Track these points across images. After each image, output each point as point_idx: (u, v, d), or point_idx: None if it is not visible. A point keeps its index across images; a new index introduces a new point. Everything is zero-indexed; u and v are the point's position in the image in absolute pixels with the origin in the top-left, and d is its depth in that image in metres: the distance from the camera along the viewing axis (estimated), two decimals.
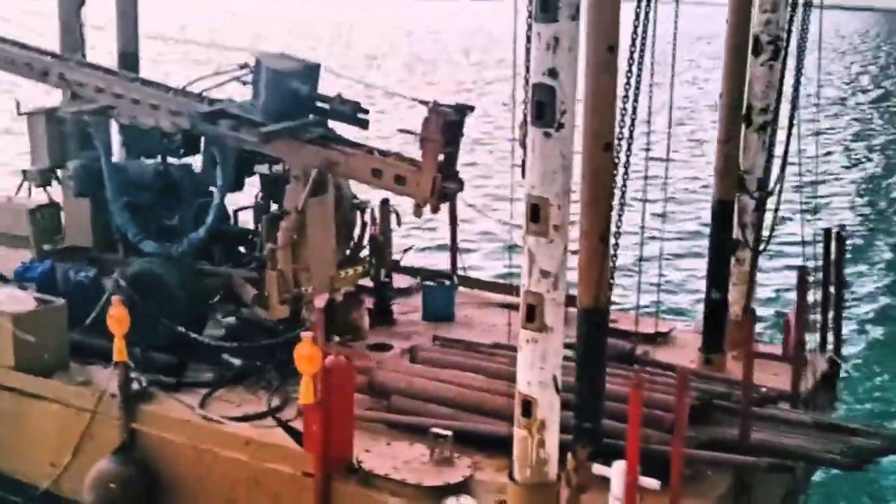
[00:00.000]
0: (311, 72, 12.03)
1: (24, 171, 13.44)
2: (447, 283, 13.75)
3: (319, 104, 12.04)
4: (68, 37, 15.44)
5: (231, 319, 12.28)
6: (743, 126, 11.72)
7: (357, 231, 13.23)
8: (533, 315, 7.85)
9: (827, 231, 12.09)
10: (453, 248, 14.76)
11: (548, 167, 7.66)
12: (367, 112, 11.80)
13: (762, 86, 11.73)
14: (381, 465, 8.94)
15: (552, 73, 7.50)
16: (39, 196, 13.87)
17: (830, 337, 12.14)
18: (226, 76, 12.37)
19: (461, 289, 14.20)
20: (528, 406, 7.97)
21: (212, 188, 12.45)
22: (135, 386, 10.03)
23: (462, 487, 8.70)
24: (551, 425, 8.02)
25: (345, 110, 11.69)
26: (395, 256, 14.11)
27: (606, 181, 8.45)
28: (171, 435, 9.82)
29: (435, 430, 9.14)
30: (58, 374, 10.65)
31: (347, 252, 13.00)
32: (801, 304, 10.62)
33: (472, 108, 11.24)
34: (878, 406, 15.49)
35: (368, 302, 13.05)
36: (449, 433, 9.07)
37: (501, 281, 15.61)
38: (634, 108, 8.34)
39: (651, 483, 7.83)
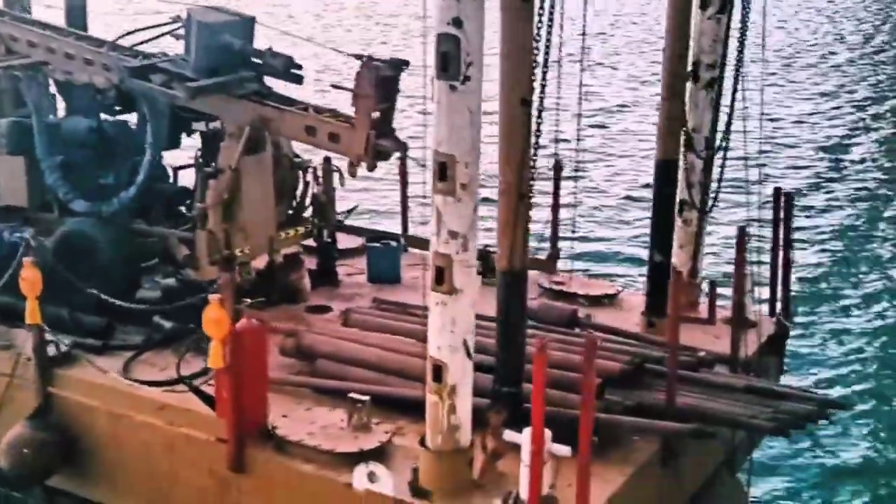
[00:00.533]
0: (244, 25, 11.64)
1: None
2: (393, 244, 13.43)
3: (255, 60, 11.67)
4: None
5: (170, 281, 11.97)
6: (690, 82, 11.38)
7: (300, 191, 12.89)
8: (442, 277, 7.56)
9: (777, 190, 11.78)
10: (403, 209, 14.45)
11: (454, 123, 7.32)
12: (300, 67, 11.41)
13: (710, 40, 11.35)
14: (297, 431, 8.67)
15: (457, 21, 7.15)
16: None
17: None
18: (158, 30, 11.99)
19: (411, 250, 13.90)
20: (438, 371, 7.71)
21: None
22: (52, 350, 9.73)
23: (378, 454, 8.43)
24: (463, 391, 7.76)
25: (276, 65, 11.27)
26: (340, 217, 13.77)
27: (524, 137, 8.13)
28: (86, 399, 9.55)
29: (353, 395, 8.87)
30: None
31: (289, 212, 12.65)
32: (740, 265, 10.31)
33: (406, 63, 10.86)
34: (828, 371, 15.23)
35: (311, 263, 12.80)
36: (367, 398, 8.81)
37: None
38: (546, 60, 7.98)
39: (562, 450, 7.57)
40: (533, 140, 8.11)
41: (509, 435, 7.78)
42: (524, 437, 7.51)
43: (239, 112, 11.22)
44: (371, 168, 10.89)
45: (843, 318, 17.58)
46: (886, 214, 24.47)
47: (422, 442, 7.99)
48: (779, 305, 11.91)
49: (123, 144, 12.35)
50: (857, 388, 14.81)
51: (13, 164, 12.60)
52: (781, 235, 11.63)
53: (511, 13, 7.87)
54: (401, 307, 11.45)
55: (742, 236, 10.25)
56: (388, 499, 7.96)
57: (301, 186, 12.81)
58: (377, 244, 13.34)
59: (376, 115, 10.59)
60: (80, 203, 11.91)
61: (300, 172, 12.82)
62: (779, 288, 11.83)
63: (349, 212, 14.48)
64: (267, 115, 11.15)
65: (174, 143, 12.42)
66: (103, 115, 12.40)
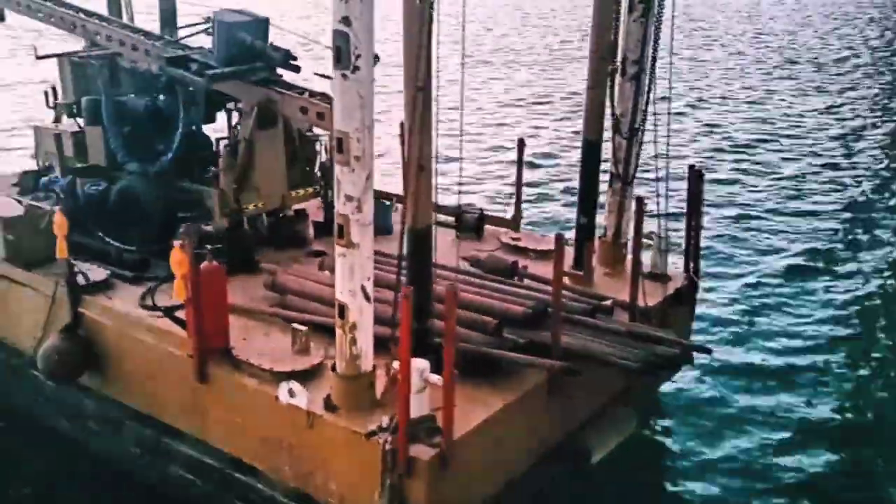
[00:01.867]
0: (259, 24, 11.26)
1: (55, 105, 13.09)
2: (386, 202, 12.98)
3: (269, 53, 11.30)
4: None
5: (209, 227, 11.83)
6: (618, 75, 10.57)
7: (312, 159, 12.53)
8: (342, 233, 7.13)
9: (690, 168, 10.91)
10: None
11: (347, 105, 6.84)
12: (296, 59, 11.01)
13: (635, 40, 10.50)
14: (251, 352, 8.41)
15: (346, 20, 6.63)
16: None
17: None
18: (194, 28, 11.72)
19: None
20: (342, 310, 7.31)
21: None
22: (81, 279, 9.65)
23: (310, 374, 8.12)
24: (362, 326, 7.35)
25: (277, 57, 10.90)
26: None
27: (424, 117, 7.59)
28: (103, 320, 9.47)
29: (295, 325, 8.56)
30: (39, 268, 10.35)
31: (301, 176, 12.31)
32: (638, 228, 9.57)
33: (377, 57, 10.32)
34: (733, 326, 14.25)
35: (318, 216, 12.49)
36: (305, 328, 8.48)
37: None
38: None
39: (434, 378, 7.13)
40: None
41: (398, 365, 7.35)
42: (414, 365, 7.09)
43: (251, 94, 10.92)
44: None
45: (749, 275, 16.44)
46: (787, 184, 22.74)
47: (333, 367, 7.64)
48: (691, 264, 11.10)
49: (172, 119, 12.17)
50: (764, 341, 13.81)
51: (93, 133, 12.58)
52: (694, 206, 10.78)
53: (408, 17, 7.28)
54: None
55: (640, 205, 9.50)
56: (302, 411, 7.66)
57: (313, 155, 12.48)
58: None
59: None
60: (133, 164, 11.80)
61: (313, 144, 12.51)
62: (691, 249, 11.00)
63: None
64: (271, 97, 10.83)
65: (210, 119, 12.18)
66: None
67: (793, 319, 14.58)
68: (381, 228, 12.44)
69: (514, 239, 12.05)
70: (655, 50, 10.04)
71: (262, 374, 8.12)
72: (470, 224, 12.45)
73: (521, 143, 12.50)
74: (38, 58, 12.39)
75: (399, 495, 7.04)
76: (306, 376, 8.05)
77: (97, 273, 10.00)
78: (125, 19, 13.94)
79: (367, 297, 7.28)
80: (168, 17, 14.97)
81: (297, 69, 11.06)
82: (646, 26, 10.27)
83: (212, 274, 8.22)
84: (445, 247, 11.61)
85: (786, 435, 11.27)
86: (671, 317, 10.42)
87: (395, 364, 7.42)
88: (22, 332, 10.39)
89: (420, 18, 7.24)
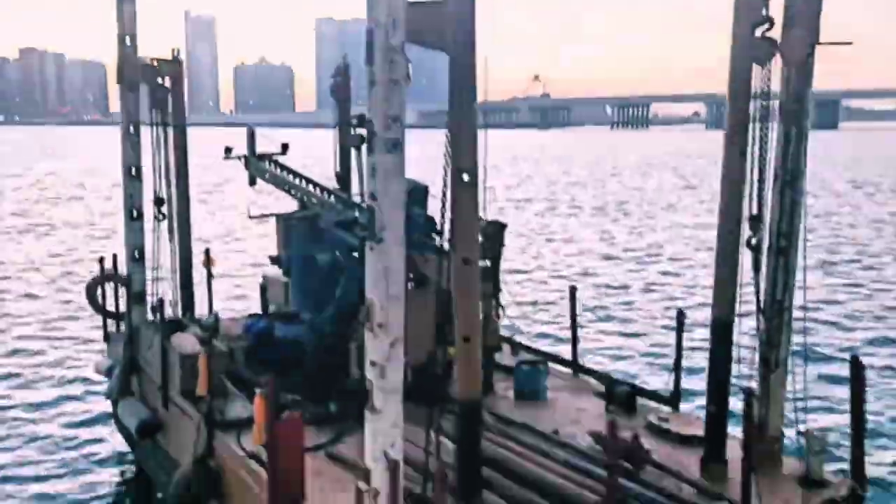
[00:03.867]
0: (417, 192, 12.12)
1: (270, 257, 14.92)
2: (541, 366, 12.72)
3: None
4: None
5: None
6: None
7: None
8: (367, 398, 7.26)
9: (854, 358, 9.40)
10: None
11: (372, 274, 7.14)
12: (437, 230, 11.59)
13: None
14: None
15: (372, 196, 7.04)
16: None
17: None
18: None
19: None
20: (366, 475, 7.35)
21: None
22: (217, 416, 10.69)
23: None
24: (384, 493, 7.29)
25: (420, 224, 11.61)
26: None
27: (472, 290, 7.61)
28: (231, 455, 10.28)
29: (360, 483, 8.65)
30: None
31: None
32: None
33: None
34: None
35: None
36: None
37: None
38: None
39: None
40: None
41: None
42: None
43: None
44: None
45: None
46: None
47: None
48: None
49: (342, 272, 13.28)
50: None
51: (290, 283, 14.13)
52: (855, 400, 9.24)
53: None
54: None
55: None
56: None
57: None
58: (525, 364, 12.74)
59: None
60: (305, 314, 12.99)
61: None
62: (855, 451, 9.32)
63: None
64: (414, 260, 11.48)
65: None
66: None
67: None
68: (530, 394, 12.28)
69: (661, 419, 11.12)
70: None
71: None
72: (620, 397, 11.77)
73: (681, 315, 11.70)
74: (251, 217, 14.43)
75: None
76: None
77: (239, 410, 11.01)
78: None
79: (389, 464, 7.24)
80: (344, 173, 16.59)
81: (433, 240, 11.63)
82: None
83: (289, 425, 8.70)
84: (590, 418, 11.15)
85: None
86: None
87: None
88: (184, 460, 11.66)
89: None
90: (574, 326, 13.61)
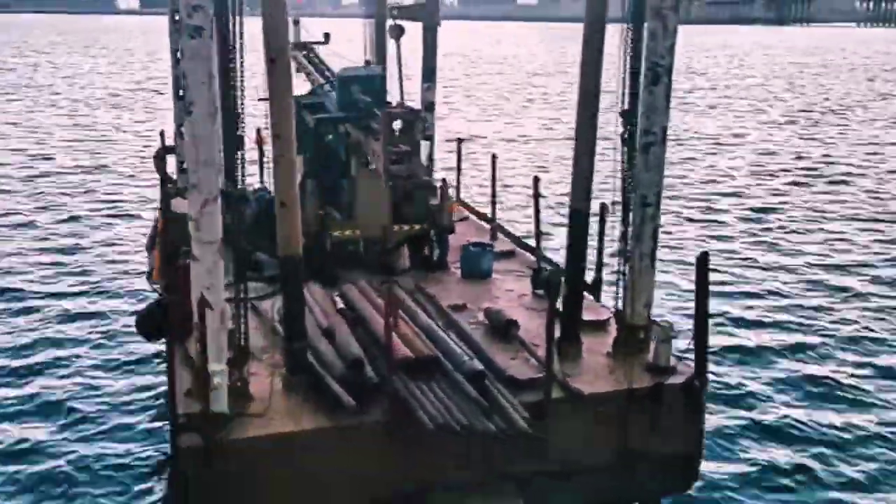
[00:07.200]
0: (372, 78, 13.10)
1: None
2: (487, 248, 13.54)
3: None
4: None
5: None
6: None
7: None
8: None
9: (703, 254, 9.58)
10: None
11: (188, 142, 8.45)
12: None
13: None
14: None
15: (183, 75, 8.28)
16: None
17: None
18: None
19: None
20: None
21: None
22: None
23: None
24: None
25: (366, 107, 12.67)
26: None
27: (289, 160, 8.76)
28: None
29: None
30: None
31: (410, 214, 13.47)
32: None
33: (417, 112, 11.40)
34: None
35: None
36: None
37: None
38: None
39: None
40: None
41: None
42: None
43: (352, 136, 12.91)
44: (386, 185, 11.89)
45: None
46: None
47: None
48: None
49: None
50: None
51: None
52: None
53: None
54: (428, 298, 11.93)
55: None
56: None
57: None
58: (472, 247, 13.53)
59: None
60: None
61: (433, 188, 13.70)
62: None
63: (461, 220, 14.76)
64: (361, 139, 12.64)
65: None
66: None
67: None
68: (474, 273, 13.19)
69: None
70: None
71: None
72: (543, 281, 12.42)
73: (603, 208, 11.98)
74: (259, 100, 15.94)
75: None
76: None
77: None
78: None
79: (204, 304, 8.68)
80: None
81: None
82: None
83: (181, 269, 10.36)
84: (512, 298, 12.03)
85: None
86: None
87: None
88: None
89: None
90: (537, 220, 14.12)
